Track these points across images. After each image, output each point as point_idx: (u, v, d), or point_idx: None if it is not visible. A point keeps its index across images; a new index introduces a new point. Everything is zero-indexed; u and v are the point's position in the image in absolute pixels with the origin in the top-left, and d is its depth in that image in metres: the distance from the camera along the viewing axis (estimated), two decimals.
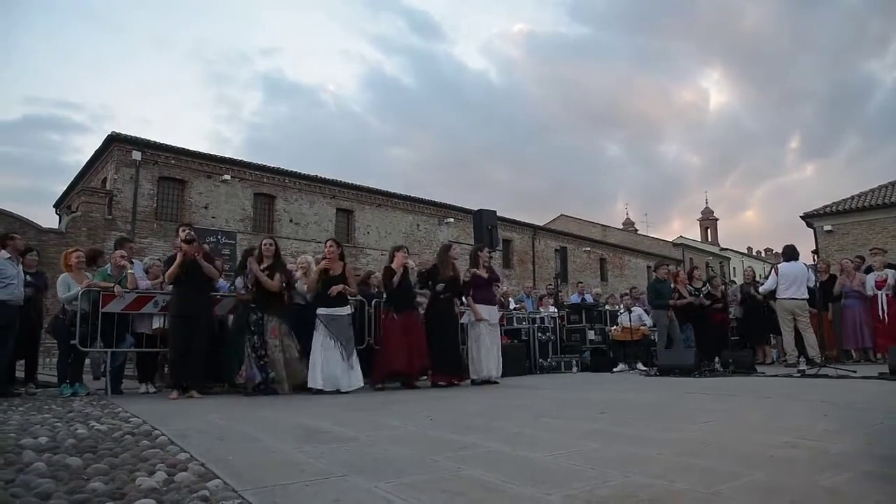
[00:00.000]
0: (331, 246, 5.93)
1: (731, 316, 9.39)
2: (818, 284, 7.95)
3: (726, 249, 46.98)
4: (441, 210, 24.88)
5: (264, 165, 20.10)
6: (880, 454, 2.09)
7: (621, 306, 9.97)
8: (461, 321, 7.12)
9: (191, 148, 18.72)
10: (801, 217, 21.34)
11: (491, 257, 7.27)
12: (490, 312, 6.71)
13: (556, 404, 4.38)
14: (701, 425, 2.96)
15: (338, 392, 5.41)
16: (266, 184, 19.93)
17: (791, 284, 7.71)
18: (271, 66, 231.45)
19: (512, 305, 10.19)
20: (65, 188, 21.84)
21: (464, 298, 6.74)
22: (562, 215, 40.08)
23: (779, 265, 8.06)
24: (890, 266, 8.54)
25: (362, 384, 5.69)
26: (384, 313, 6.46)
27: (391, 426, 3.13)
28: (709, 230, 57.13)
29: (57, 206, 22.45)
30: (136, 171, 17.04)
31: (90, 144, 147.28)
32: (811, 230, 21.09)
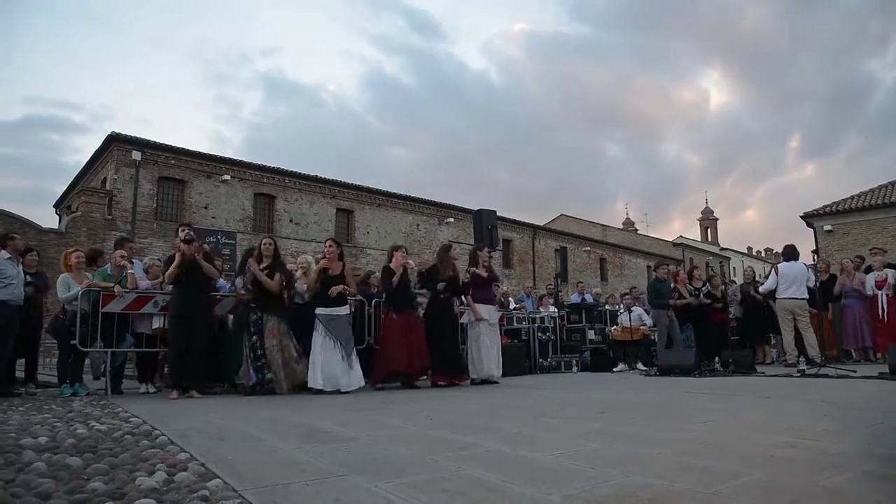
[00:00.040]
0: (330, 246, 5.94)
1: (731, 316, 9.40)
2: (818, 284, 7.94)
3: (726, 249, 47.00)
4: (441, 210, 24.87)
5: (264, 165, 20.10)
6: (880, 454, 2.09)
7: (621, 306, 9.97)
8: (461, 321, 7.13)
9: (191, 148, 18.75)
10: (801, 217, 21.35)
11: (491, 257, 7.27)
12: (490, 312, 6.71)
13: (556, 404, 4.38)
14: (701, 425, 2.96)
15: (338, 392, 5.42)
16: (266, 184, 19.93)
17: (791, 284, 7.72)
18: (271, 66, 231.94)
19: (512, 305, 10.19)
20: (65, 188, 21.86)
21: (463, 298, 6.75)
22: (562, 215, 40.08)
23: (779, 265, 8.06)
24: (890, 266, 8.54)
25: (362, 384, 5.69)
26: (384, 313, 6.46)
27: (391, 426, 3.13)
28: (709, 230, 57.13)
29: (57, 206, 22.45)
30: (135, 171, 17.04)
31: (90, 144, 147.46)
32: (811, 230, 21.10)
